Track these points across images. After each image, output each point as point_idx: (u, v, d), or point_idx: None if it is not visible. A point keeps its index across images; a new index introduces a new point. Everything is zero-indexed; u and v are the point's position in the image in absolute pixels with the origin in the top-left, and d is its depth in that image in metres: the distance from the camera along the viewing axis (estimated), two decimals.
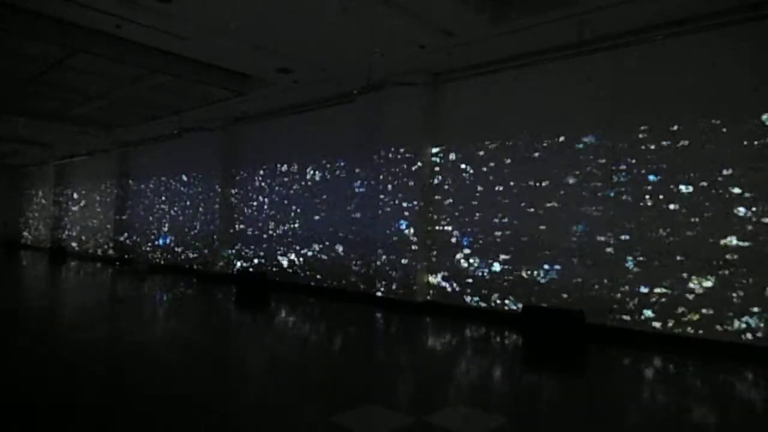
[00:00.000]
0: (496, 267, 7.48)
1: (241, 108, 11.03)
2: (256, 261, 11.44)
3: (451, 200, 8.07)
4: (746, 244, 5.57)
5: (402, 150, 8.35)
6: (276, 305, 8.82)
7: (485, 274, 7.59)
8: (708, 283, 5.76)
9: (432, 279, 8.20)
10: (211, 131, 12.31)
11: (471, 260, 7.77)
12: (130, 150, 15.97)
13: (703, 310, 5.76)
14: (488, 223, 7.61)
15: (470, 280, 7.74)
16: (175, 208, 14.04)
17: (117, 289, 10.55)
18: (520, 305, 6.93)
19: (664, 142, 6.16)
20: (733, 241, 5.65)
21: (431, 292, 8.19)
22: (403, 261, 8.20)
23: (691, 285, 5.86)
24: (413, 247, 8.14)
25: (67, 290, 10.44)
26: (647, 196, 6.23)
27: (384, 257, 8.46)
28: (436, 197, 8.24)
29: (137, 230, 15.69)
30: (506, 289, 7.35)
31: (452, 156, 8.10)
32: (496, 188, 7.57)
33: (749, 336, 5.47)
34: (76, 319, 7.15)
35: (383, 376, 4.87)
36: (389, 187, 8.47)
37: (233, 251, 12.06)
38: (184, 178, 13.76)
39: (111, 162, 16.65)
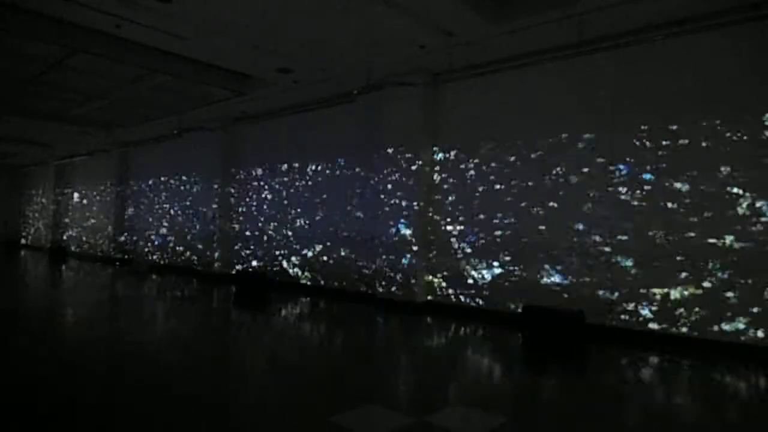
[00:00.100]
0: (497, 267, 7.48)
1: (241, 108, 11.04)
2: (255, 261, 11.44)
3: (451, 200, 8.07)
4: (746, 244, 5.57)
5: (402, 150, 8.35)
6: (276, 305, 8.81)
7: (485, 274, 7.59)
8: (708, 284, 5.76)
9: (432, 279, 8.20)
10: (211, 131, 12.31)
11: (471, 260, 7.77)
12: (130, 150, 15.97)
13: (703, 311, 5.77)
14: (488, 223, 7.61)
15: (470, 281, 7.74)
16: (175, 208, 14.04)
17: (117, 289, 10.55)
18: (520, 305, 6.93)
19: (663, 142, 6.16)
20: (733, 241, 5.65)
21: (432, 292, 8.19)
22: (404, 261, 8.20)
23: (691, 285, 5.86)
24: (413, 247, 8.14)
25: (66, 290, 10.44)
26: (647, 196, 6.23)
27: (384, 257, 8.46)
28: (436, 197, 8.24)
29: (137, 230, 15.69)
30: (506, 289, 7.35)
31: (452, 156, 8.10)
32: (496, 188, 7.57)
33: (749, 336, 5.47)
34: (76, 319, 7.15)
35: (383, 376, 4.87)
36: (389, 187, 8.47)
37: (233, 251, 12.06)
38: (184, 178, 13.76)
39: (111, 162, 16.65)
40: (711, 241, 5.77)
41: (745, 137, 5.65)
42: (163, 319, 7.48)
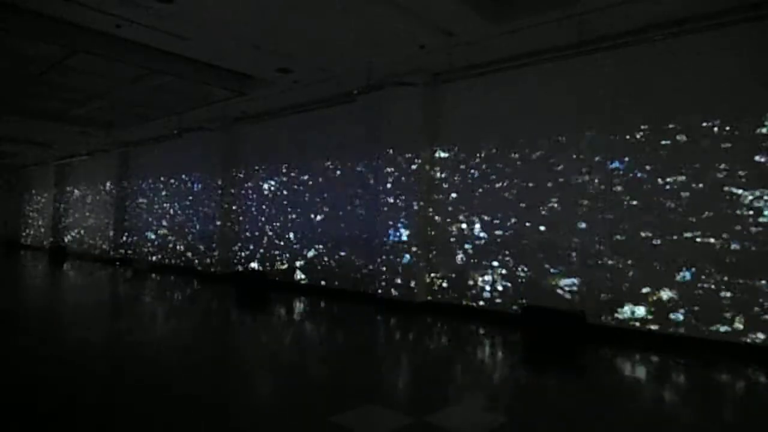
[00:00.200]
0: (497, 267, 7.48)
1: (241, 108, 11.04)
2: (255, 260, 11.44)
3: (451, 200, 8.07)
4: (746, 244, 5.57)
5: (402, 150, 8.35)
6: (276, 305, 8.81)
7: (485, 273, 7.58)
8: (707, 284, 5.76)
9: (432, 279, 8.20)
10: (211, 131, 12.31)
11: (471, 260, 7.76)
12: (130, 150, 15.97)
13: (703, 311, 5.77)
14: (488, 223, 7.61)
15: (471, 281, 7.74)
16: (176, 208, 14.04)
17: (117, 289, 10.54)
18: (521, 305, 6.93)
19: (663, 142, 6.16)
20: (733, 241, 5.65)
21: (432, 292, 8.19)
22: (404, 261, 8.20)
23: (690, 285, 5.86)
24: (413, 247, 8.14)
25: (66, 290, 10.44)
26: (647, 196, 6.23)
27: (384, 257, 8.46)
28: (436, 197, 8.24)
29: (137, 230, 15.68)
30: (506, 288, 7.35)
31: (452, 156, 8.10)
32: (497, 187, 7.57)
33: (749, 336, 5.47)
34: (76, 318, 7.15)
35: (383, 375, 4.87)
36: (389, 186, 8.47)
37: (233, 251, 12.06)
38: (184, 177, 13.76)
39: (111, 162, 16.65)
40: (710, 241, 5.77)
41: (744, 137, 5.65)
42: (163, 319, 7.48)
